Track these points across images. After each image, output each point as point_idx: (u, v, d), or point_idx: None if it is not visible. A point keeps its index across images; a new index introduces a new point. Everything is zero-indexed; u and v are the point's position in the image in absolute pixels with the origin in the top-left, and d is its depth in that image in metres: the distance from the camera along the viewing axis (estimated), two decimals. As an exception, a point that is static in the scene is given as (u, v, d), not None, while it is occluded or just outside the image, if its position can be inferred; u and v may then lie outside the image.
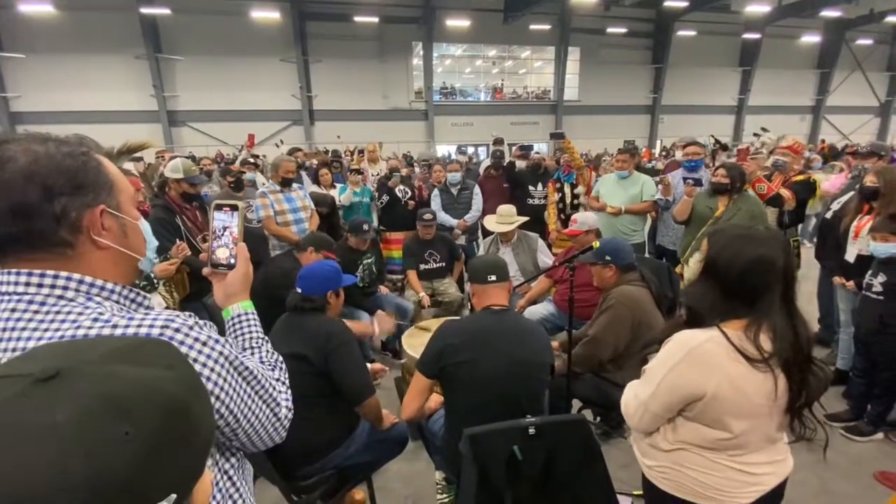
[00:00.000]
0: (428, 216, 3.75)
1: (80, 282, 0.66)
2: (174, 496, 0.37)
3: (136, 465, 0.34)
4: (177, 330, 0.67)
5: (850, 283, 2.78)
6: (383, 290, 3.80)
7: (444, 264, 3.89)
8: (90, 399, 0.35)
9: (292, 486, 1.78)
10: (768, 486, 1.21)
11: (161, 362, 0.42)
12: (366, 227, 3.55)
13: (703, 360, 1.14)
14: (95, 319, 0.64)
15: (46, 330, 0.62)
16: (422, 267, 3.83)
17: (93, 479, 0.33)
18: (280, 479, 1.74)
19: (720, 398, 1.13)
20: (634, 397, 1.29)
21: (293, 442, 1.68)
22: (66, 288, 0.65)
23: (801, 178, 3.48)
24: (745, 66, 20.79)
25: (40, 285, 0.64)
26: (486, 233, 4.34)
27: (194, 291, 2.75)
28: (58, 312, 0.64)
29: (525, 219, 3.67)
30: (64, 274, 0.65)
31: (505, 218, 3.58)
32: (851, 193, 3.13)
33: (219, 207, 0.93)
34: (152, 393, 0.38)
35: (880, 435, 2.62)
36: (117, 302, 0.70)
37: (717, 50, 20.38)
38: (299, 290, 1.89)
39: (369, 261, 3.63)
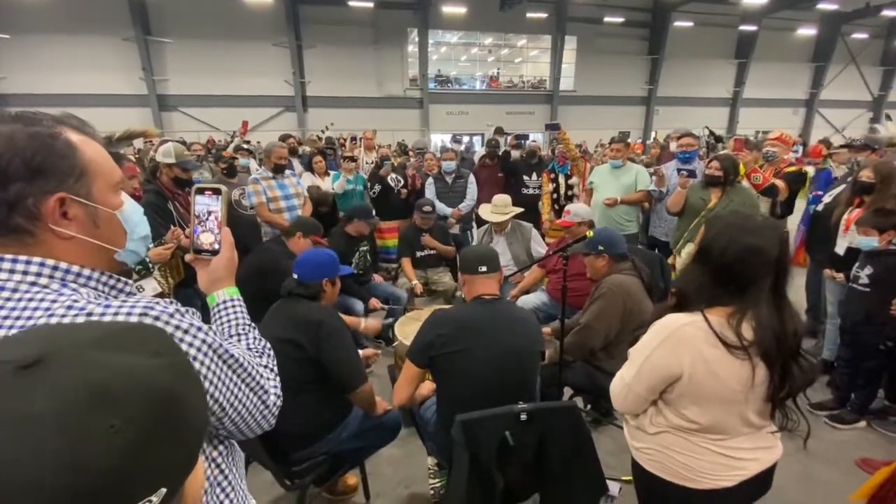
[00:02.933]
0: (427, 208, 3.73)
1: (55, 268, 0.63)
2: (164, 490, 0.36)
3: (121, 460, 0.33)
4: (156, 318, 0.64)
5: (840, 276, 2.82)
6: (377, 278, 3.80)
7: (438, 254, 3.89)
8: (73, 389, 0.33)
9: (285, 470, 1.79)
10: (751, 471, 1.24)
11: (150, 350, 0.40)
12: (373, 211, 3.55)
13: (681, 342, 1.17)
14: (69, 307, 0.61)
15: (18, 318, 0.59)
16: (417, 254, 3.83)
17: (75, 474, 0.31)
18: (273, 464, 1.75)
19: (695, 380, 1.16)
20: (620, 379, 1.32)
21: (286, 427, 1.69)
22: (38, 274, 0.62)
23: (792, 169, 3.51)
24: (741, 59, 20.78)
25: (12, 271, 0.61)
26: (480, 222, 4.34)
27: (189, 276, 2.73)
28: (30, 300, 0.60)
29: (520, 210, 3.67)
30: (37, 259, 0.62)
31: (500, 208, 3.57)
32: (843, 186, 3.16)
33: (200, 191, 0.90)
34: (141, 382, 0.36)
35: (863, 423, 2.68)
36: (95, 289, 0.68)
37: (714, 41, 20.31)
38: (295, 276, 1.89)
39: (364, 249, 3.62)
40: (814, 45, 21.33)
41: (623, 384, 1.30)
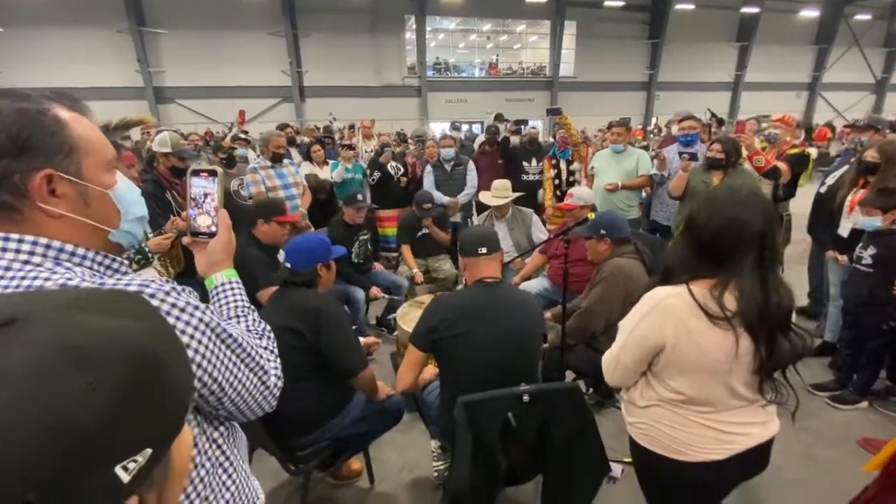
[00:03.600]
0: (427, 205, 3.68)
1: (48, 246, 0.63)
2: (149, 451, 0.35)
3: (101, 418, 0.32)
4: (151, 296, 0.64)
5: (844, 258, 2.81)
6: (378, 266, 3.80)
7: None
8: (48, 347, 0.33)
9: (289, 456, 1.80)
10: (743, 445, 1.25)
11: (130, 314, 0.39)
12: (360, 196, 3.50)
13: (665, 313, 1.19)
14: (63, 285, 0.60)
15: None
16: (417, 235, 3.80)
17: (52, 431, 0.30)
18: (277, 450, 1.76)
19: (678, 350, 1.18)
20: (609, 352, 1.36)
21: (290, 412, 1.70)
22: (31, 253, 0.62)
23: (795, 151, 3.47)
24: (743, 42, 20.52)
25: (4, 249, 0.61)
26: (481, 209, 4.31)
27: (189, 266, 2.72)
28: (23, 278, 0.60)
29: (519, 194, 3.65)
30: (29, 237, 0.62)
31: (500, 192, 3.55)
32: (847, 167, 3.13)
33: (196, 173, 0.89)
34: (119, 344, 0.35)
35: (865, 403, 2.69)
36: (90, 268, 0.67)
37: (715, 24, 20.03)
38: (288, 265, 1.87)
39: (365, 237, 3.61)
40: (816, 27, 21.03)
41: (612, 356, 1.33)
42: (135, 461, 0.34)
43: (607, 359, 1.36)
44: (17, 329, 0.33)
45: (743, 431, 1.25)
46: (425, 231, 3.80)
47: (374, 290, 3.37)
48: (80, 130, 0.65)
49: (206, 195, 0.89)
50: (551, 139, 5.22)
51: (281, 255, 2.67)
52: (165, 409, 0.38)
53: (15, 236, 0.61)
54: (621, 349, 1.29)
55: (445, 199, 4.35)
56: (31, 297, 0.38)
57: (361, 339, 2.27)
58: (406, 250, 3.78)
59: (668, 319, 1.18)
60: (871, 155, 2.71)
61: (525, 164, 4.73)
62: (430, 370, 1.98)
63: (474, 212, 4.91)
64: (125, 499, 0.35)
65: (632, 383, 1.35)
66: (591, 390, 2.67)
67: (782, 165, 3.30)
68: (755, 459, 1.30)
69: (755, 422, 1.27)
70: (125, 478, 0.33)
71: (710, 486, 1.33)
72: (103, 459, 0.33)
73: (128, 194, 0.73)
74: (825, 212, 3.10)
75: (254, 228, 2.68)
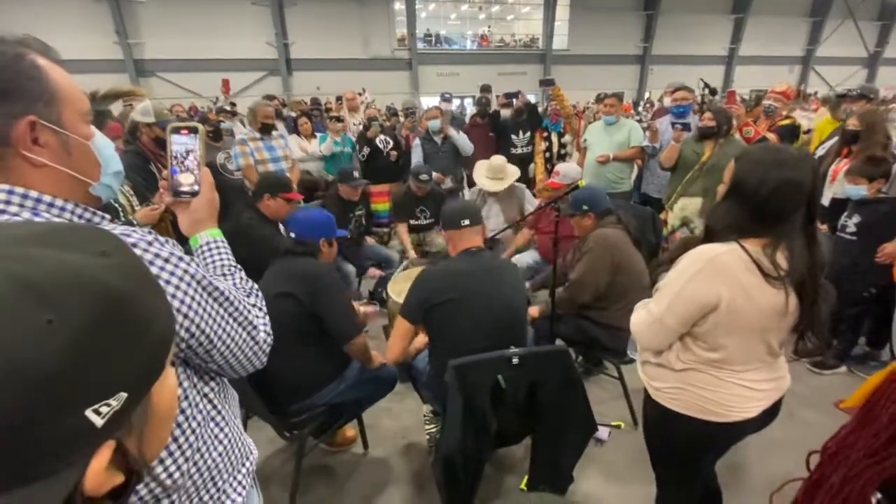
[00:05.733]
0: (424, 176, 3.60)
1: (24, 196, 0.61)
2: (124, 395, 0.33)
3: (63, 358, 0.30)
4: (134, 245, 0.62)
5: (824, 227, 2.85)
6: (369, 240, 3.78)
7: (433, 220, 3.84)
8: (0, 281, 0.30)
9: (284, 422, 1.83)
10: (770, 400, 1.28)
11: (93, 249, 0.36)
12: (355, 174, 3.45)
13: (720, 270, 1.16)
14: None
15: None
16: (411, 222, 3.78)
17: (8, 371, 0.28)
18: (271, 416, 1.79)
19: (733, 308, 1.16)
20: (648, 314, 1.29)
21: (285, 377, 1.73)
22: (7, 202, 0.60)
23: (786, 122, 3.48)
24: (738, 14, 20.22)
25: None
26: (472, 183, 4.27)
27: (179, 238, 2.68)
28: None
29: (517, 173, 3.52)
30: (5, 187, 0.60)
31: (496, 173, 3.42)
32: (836, 139, 3.15)
33: (176, 130, 0.86)
34: (80, 280, 0.33)
35: (844, 368, 2.78)
36: (69, 220, 0.65)
37: (711, -6, 19.71)
38: (292, 235, 1.88)
39: (360, 213, 3.58)
40: (812, -2, 20.80)
41: (652, 319, 1.27)
42: (108, 405, 0.33)
43: (643, 321, 1.30)
44: None
45: (770, 387, 1.28)
46: (422, 222, 3.76)
47: (373, 271, 3.37)
48: (57, 78, 0.63)
49: (187, 152, 0.86)
50: (545, 109, 5.13)
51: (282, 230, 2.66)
52: (139, 351, 0.36)
53: None
54: (666, 311, 1.23)
55: (434, 175, 4.27)
56: None
57: (360, 307, 2.29)
58: (402, 229, 3.74)
59: (723, 277, 1.15)
60: (852, 123, 2.73)
61: (513, 136, 4.64)
62: (421, 339, 2.00)
63: (465, 186, 4.85)
64: (101, 443, 0.34)
65: (668, 346, 1.30)
66: (580, 358, 2.73)
67: (771, 136, 3.30)
68: (772, 411, 1.33)
69: (778, 377, 1.30)
70: (98, 422, 0.32)
71: (729, 443, 1.36)
72: (70, 402, 0.31)
73: (106, 148, 0.71)
74: (814, 182, 3.12)
75: (259, 202, 2.61)
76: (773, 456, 2.15)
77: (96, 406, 0.32)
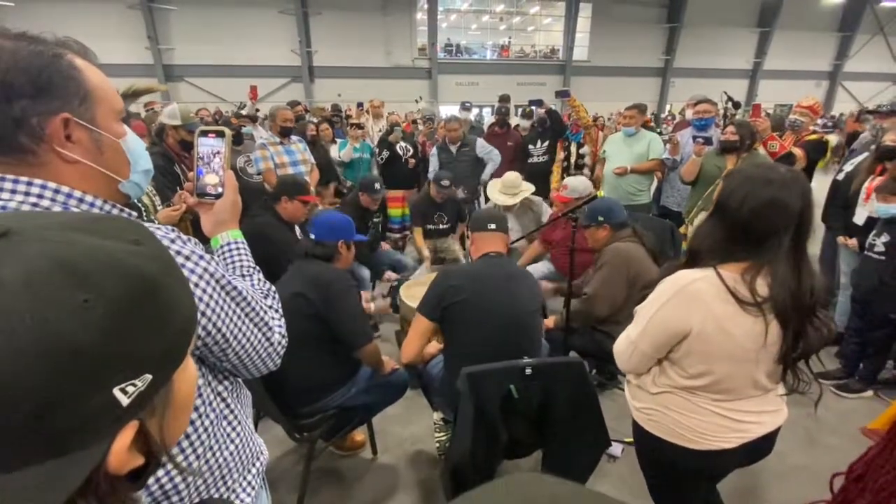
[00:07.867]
0: (445, 182, 3.60)
1: (57, 191, 0.62)
2: (149, 377, 0.35)
3: (97, 336, 0.31)
4: None
5: (853, 242, 2.77)
6: (385, 246, 3.80)
7: (449, 225, 3.85)
8: (42, 260, 0.31)
9: (295, 423, 1.84)
10: (754, 434, 1.22)
11: (127, 237, 0.38)
12: (377, 185, 3.45)
13: (691, 298, 1.12)
14: None
15: None
16: (428, 227, 3.79)
17: (45, 343, 0.30)
18: (282, 417, 1.80)
19: (704, 336, 1.12)
20: (626, 337, 1.28)
21: (297, 379, 1.74)
22: (40, 196, 0.61)
23: (813, 137, 3.40)
24: (764, 27, 19.94)
25: (13, 191, 0.60)
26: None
27: (199, 240, 2.73)
28: None
29: (531, 188, 3.49)
30: (38, 181, 0.61)
31: (509, 188, 3.37)
32: (866, 154, 3.06)
33: (204, 133, 0.88)
34: (115, 263, 0.34)
35: (870, 392, 2.67)
36: None
37: (736, 7, 19.46)
38: (312, 236, 1.91)
39: (377, 220, 3.61)
40: (841, 12, 20.36)
41: (629, 342, 1.26)
42: (134, 385, 0.34)
43: (622, 344, 1.29)
44: (9, 241, 0.32)
45: (757, 420, 1.22)
46: (438, 227, 3.76)
47: (388, 275, 3.39)
48: (94, 78, 0.66)
49: (214, 154, 0.89)
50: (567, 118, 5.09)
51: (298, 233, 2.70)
52: (165, 335, 0.37)
53: (24, 179, 0.61)
54: (640, 335, 1.21)
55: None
56: (27, 215, 0.37)
57: (373, 305, 2.30)
58: (418, 232, 3.75)
59: (695, 304, 1.11)
60: (890, 139, 2.64)
61: (531, 146, 4.63)
62: (434, 345, 2.00)
63: (482, 196, 4.85)
64: (126, 422, 0.35)
65: (646, 370, 1.28)
66: (594, 371, 2.68)
67: (798, 151, 3.23)
68: (762, 446, 1.27)
69: (769, 410, 1.23)
70: (124, 401, 0.33)
71: (712, 472, 1.32)
72: (101, 379, 0.32)
73: (136, 146, 0.73)
74: (840, 199, 3.04)
75: (277, 205, 2.65)
76: (792, 480, 2.07)
77: (123, 385, 0.33)
